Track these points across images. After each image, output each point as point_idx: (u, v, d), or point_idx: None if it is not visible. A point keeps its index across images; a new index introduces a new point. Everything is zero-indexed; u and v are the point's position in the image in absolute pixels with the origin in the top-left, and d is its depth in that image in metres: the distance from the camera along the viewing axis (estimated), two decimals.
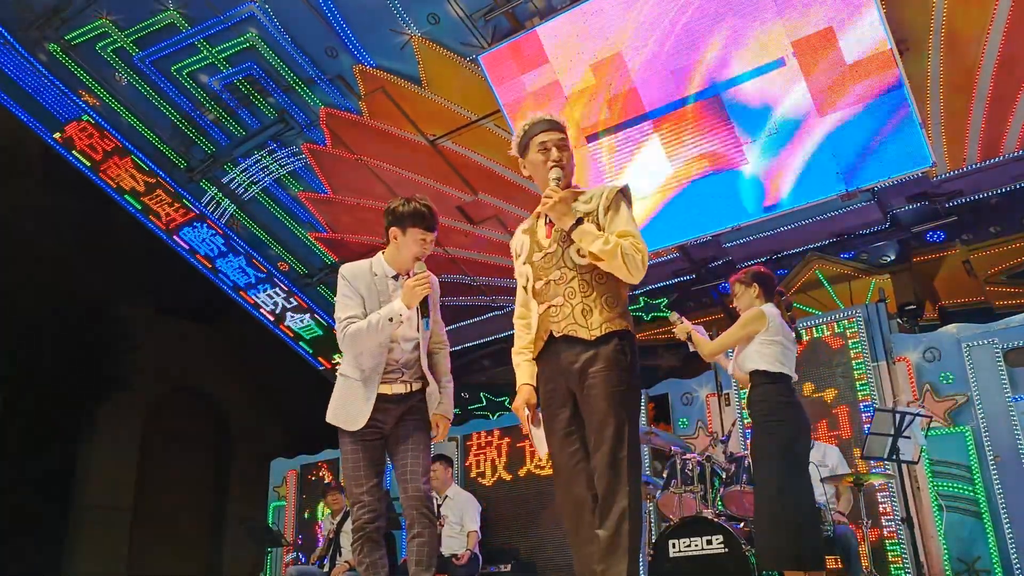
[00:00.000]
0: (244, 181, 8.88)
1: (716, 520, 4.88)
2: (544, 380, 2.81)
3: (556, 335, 2.76)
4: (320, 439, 9.47)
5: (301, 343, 10.27)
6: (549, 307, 2.79)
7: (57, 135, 8.71)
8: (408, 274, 3.41)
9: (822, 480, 5.17)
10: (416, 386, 3.43)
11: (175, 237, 9.58)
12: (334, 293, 10.11)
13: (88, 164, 9.08)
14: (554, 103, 6.91)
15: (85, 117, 8.57)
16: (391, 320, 3.27)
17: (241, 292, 9.97)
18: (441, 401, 3.47)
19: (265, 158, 8.69)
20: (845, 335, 6.47)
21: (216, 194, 9.12)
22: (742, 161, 6.67)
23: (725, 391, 7.14)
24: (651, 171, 7.02)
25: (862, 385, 6.33)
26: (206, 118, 8.42)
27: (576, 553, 2.68)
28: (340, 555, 7.15)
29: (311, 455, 9.66)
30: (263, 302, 9.90)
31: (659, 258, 8.09)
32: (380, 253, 3.58)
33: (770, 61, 6.23)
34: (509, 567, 7.13)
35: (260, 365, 16.14)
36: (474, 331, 9.60)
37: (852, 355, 6.37)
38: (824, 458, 5.62)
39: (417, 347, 3.41)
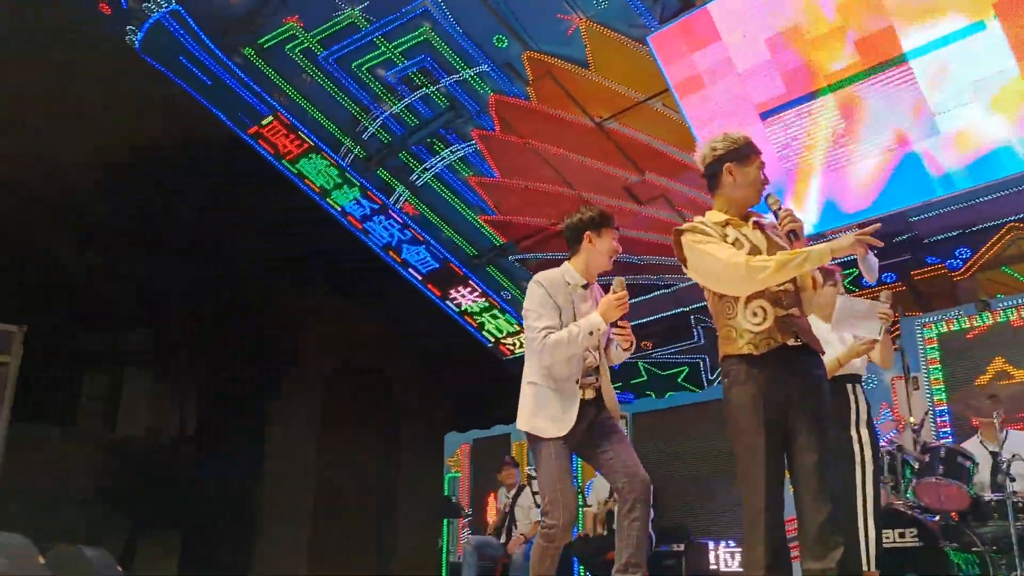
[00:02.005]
0: (418, 168, 9.30)
1: (909, 512, 4.73)
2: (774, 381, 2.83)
3: (791, 344, 2.80)
4: (490, 415, 9.87)
5: (476, 326, 10.68)
6: (788, 314, 2.81)
7: (251, 131, 9.45)
8: (607, 290, 3.48)
9: None
10: (597, 392, 3.51)
11: (359, 225, 10.19)
12: (502, 273, 10.36)
13: (277, 157, 9.81)
14: (726, 81, 6.77)
15: (273, 115, 9.24)
16: (591, 334, 3.33)
17: (418, 276, 10.48)
18: (613, 408, 3.55)
19: (437, 145, 9.06)
20: None
21: (392, 181, 9.61)
22: (933, 133, 6.29)
23: (913, 374, 6.80)
24: (829, 147, 6.75)
25: None
26: (383, 110, 8.87)
27: None
28: (516, 527, 7.43)
29: (483, 430, 10.03)
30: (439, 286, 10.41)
31: (837, 233, 7.82)
32: (567, 263, 3.61)
33: (968, 24, 5.81)
34: (682, 547, 7.18)
35: (429, 341, 16.82)
36: (642, 309, 9.63)
37: None
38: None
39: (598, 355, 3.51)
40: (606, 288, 3.55)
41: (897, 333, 7.59)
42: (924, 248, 7.93)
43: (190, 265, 17.38)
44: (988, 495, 4.83)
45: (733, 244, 2.86)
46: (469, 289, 10.36)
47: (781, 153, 7.03)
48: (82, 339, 18.07)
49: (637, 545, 3.30)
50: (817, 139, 6.80)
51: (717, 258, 2.81)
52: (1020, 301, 6.26)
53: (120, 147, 15.65)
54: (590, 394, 3.43)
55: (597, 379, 3.48)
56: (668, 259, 9.22)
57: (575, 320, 3.41)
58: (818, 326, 4.17)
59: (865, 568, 3.95)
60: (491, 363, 11.58)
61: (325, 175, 9.76)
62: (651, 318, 9.66)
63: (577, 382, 3.38)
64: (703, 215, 3.00)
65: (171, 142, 15.04)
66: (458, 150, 9.03)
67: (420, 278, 10.39)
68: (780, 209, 2.91)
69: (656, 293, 9.41)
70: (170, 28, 8.62)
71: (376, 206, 9.80)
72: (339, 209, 10.04)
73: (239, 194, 15.64)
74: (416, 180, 9.45)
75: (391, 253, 10.27)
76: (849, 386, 4.15)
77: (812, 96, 6.65)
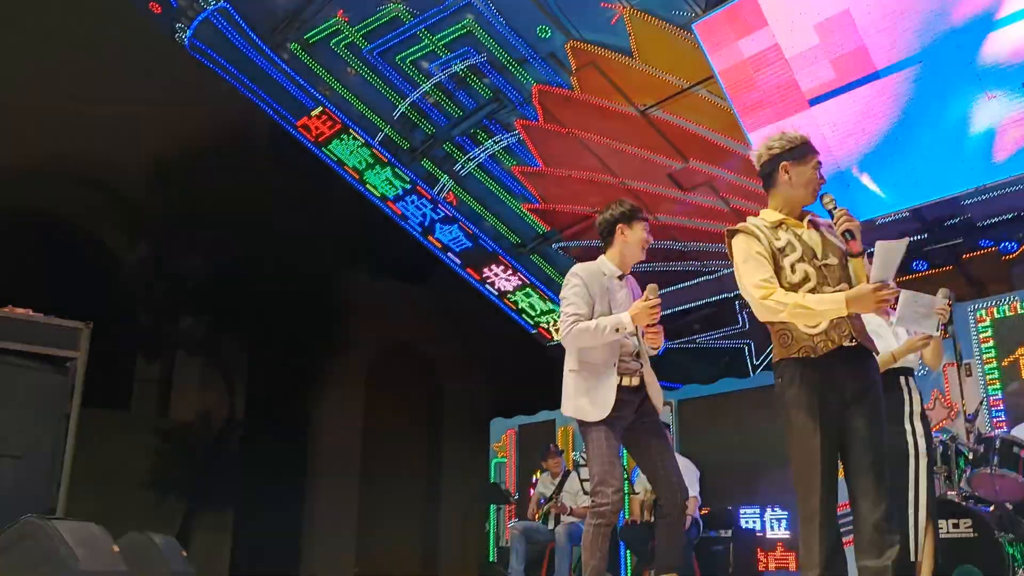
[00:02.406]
0: (461, 158, 9.38)
1: (963, 503, 4.72)
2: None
3: (846, 345, 2.83)
4: (535, 401, 9.96)
5: (516, 310, 10.76)
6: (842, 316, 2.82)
7: (298, 124, 9.61)
8: (645, 290, 3.57)
9: None
10: (641, 379, 3.61)
11: (396, 209, 10.31)
12: (546, 261, 10.40)
13: (318, 145, 9.96)
14: (773, 67, 6.71)
15: (319, 108, 9.39)
16: (617, 331, 3.45)
17: (458, 259, 10.58)
18: (656, 402, 3.65)
19: (480, 135, 9.13)
20: None
21: (435, 171, 9.70)
22: (986, 120, 6.18)
23: (966, 361, 6.72)
24: (880, 134, 6.67)
25: None
26: (427, 102, 8.97)
27: None
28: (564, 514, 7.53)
29: (528, 415, 10.13)
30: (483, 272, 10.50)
31: (886, 219, 7.72)
32: (602, 256, 3.74)
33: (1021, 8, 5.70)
34: (729, 532, 7.24)
35: (471, 327, 16.99)
36: (685, 296, 9.63)
37: None
38: None
39: (639, 346, 3.61)
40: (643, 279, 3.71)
41: (949, 320, 7.52)
42: (977, 232, 7.82)
43: (236, 253, 17.78)
44: None
45: (784, 249, 2.91)
46: (503, 268, 10.42)
47: (831, 140, 6.96)
48: (134, 328, 18.58)
49: (675, 548, 3.50)
50: (867, 126, 6.71)
51: (743, 282, 2.92)
52: None
53: (168, 141, 16.05)
54: (634, 381, 3.54)
55: (640, 366, 3.58)
56: (712, 245, 9.20)
57: (610, 309, 3.56)
58: (871, 318, 4.23)
59: (913, 558, 3.97)
60: (534, 348, 11.69)
61: (357, 155, 9.87)
62: (695, 303, 9.66)
63: (615, 367, 3.49)
64: (746, 200, 3.07)
65: (218, 136, 15.40)
66: (501, 140, 9.09)
67: (459, 261, 10.45)
68: (835, 209, 2.94)
69: (700, 280, 9.40)
70: (218, 25, 8.77)
71: (408, 186, 9.90)
72: (378, 195, 10.16)
73: (285, 185, 15.96)
74: (460, 170, 9.54)
75: (430, 238, 10.37)
76: (902, 379, 4.17)
77: (862, 81, 6.56)
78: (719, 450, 7.70)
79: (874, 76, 6.49)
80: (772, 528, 7.31)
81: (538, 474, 8.46)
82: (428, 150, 9.47)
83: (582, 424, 3.55)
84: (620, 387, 3.49)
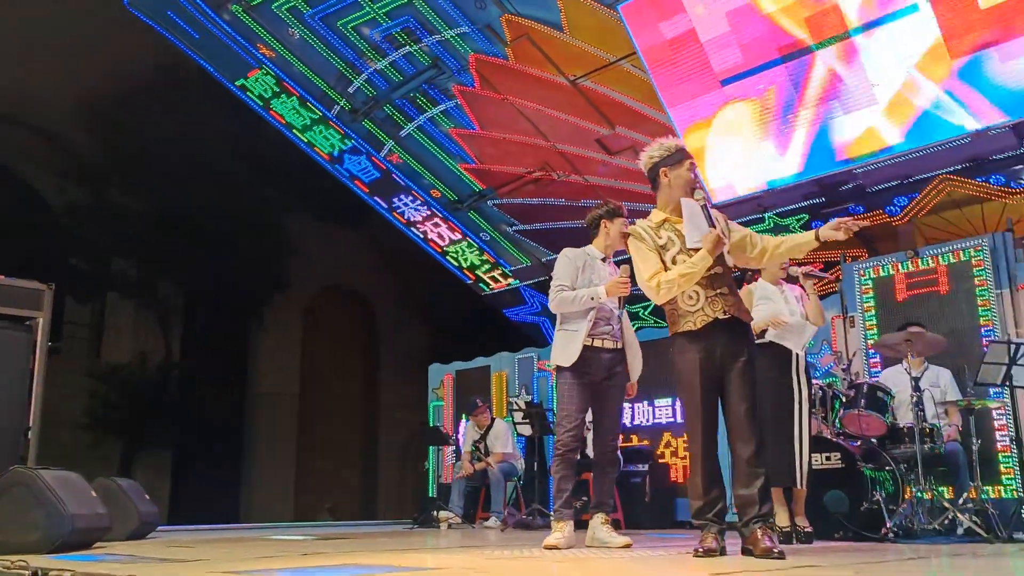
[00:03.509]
0: (403, 121, 9.81)
1: (835, 440, 5.57)
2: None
3: (720, 318, 3.52)
4: (472, 348, 10.61)
5: (456, 266, 11.35)
6: (717, 294, 3.53)
7: (238, 83, 9.85)
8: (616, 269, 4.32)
9: (936, 403, 5.75)
10: (620, 345, 4.35)
11: (337, 165, 10.72)
12: (482, 217, 10.94)
13: (262, 104, 10.23)
14: (689, 49, 7.35)
15: (263, 69, 9.65)
16: (592, 299, 4.22)
17: (396, 215, 11.06)
18: (633, 369, 4.42)
19: (420, 99, 9.56)
20: (970, 263, 6.80)
21: (376, 131, 10.12)
22: (871, 102, 6.97)
23: (850, 314, 7.61)
24: (783, 112, 7.41)
25: (984, 311, 6.70)
26: (368, 66, 9.32)
27: None
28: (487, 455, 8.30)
29: (465, 361, 10.77)
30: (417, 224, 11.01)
31: (788, 183, 8.54)
32: (590, 244, 4.49)
33: (904, 7, 6.44)
34: (646, 467, 8.15)
35: (411, 274, 17.41)
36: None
37: (976, 282, 6.72)
38: (937, 379, 6.07)
39: (620, 320, 4.35)
40: None
41: (839, 276, 8.46)
42: (867, 197, 8.73)
43: (173, 195, 17.78)
44: (902, 423, 5.66)
45: (665, 245, 3.59)
46: (411, 198, 10.87)
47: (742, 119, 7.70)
48: (65, 269, 18.45)
49: (607, 492, 4.37)
50: (771, 106, 7.45)
51: (641, 276, 3.60)
52: (943, 249, 7.06)
53: (105, 90, 15.88)
54: (607, 343, 4.28)
55: (613, 331, 4.29)
56: (638, 205, 9.93)
57: (591, 283, 4.31)
58: (764, 285, 5.04)
59: (798, 487, 4.83)
60: (471, 298, 12.34)
61: (298, 115, 10.18)
62: (616, 258, 10.40)
63: (587, 328, 4.22)
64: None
65: (155, 78, 15.29)
66: (440, 104, 9.54)
67: (366, 189, 10.83)
68: (704, 200, 3.60)
69: None
70: None
71: (316, 117, 10.16)
72: (320, 153, 10.51)
73: (223, 127, 15.98)
74: (400, 131, 9.97)
75: (338, 167, 10.69)
76: None
77: (767, 66, 7.26)
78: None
79: (776, 61, 7.21)
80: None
81: (465, 423, 9.23)
82: (369, 111, 9.86)
83: (557, 369, 4.36)
84: (593, 347, 4.24)
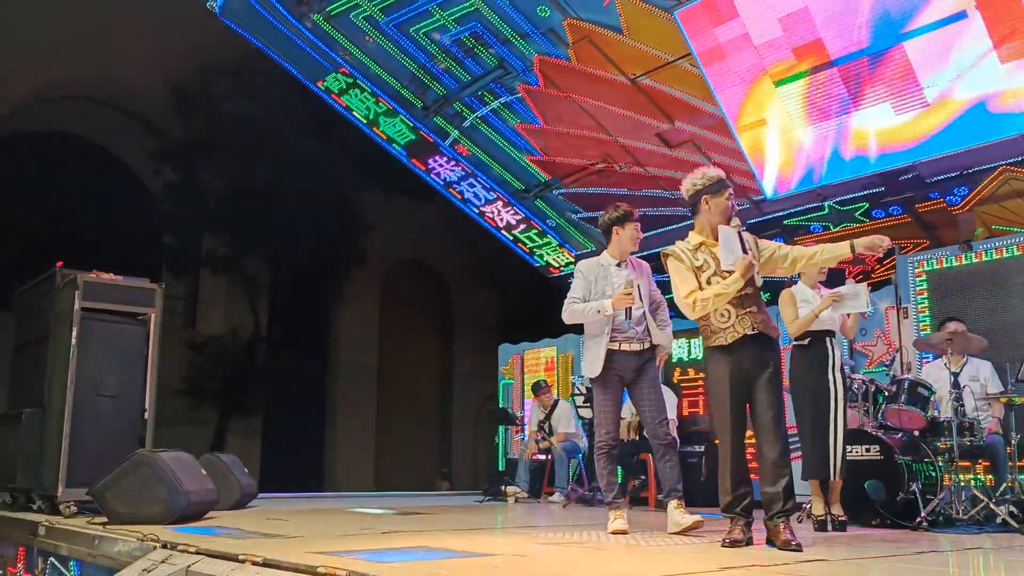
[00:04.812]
0: (470, 115, 10.34)
1: (875, 433, 5.89)
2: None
3: (749, 334, 3.91)
4: (539, 329, 11.14)
5: (526, 251, 11.89)
6: (746, 312, 3.91)
7: (323, 86, 10.53)
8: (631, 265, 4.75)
9: (976, 397, 6.00)
10: (647, 344, 4.69)
11: (413, 160, 11.32)
12: (548, 205, 11.40)
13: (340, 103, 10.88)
14: (744, 53, 7.62)
15: (337, 71, 10.30)
16: (598, 312, 4.60)
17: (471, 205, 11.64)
18: (660, 342, 4.76)
19: (487, 97, 10.07)
20: None
21: (446, 126, 10.68)
22: (923, 104, 7.13)
23: (904, 305, 7.79)
24: (835, 113, 7.63)
25: None
26: (438, 67, 9.87)
27: None
28: (552, 434, 8.87)
29: (532, 342, 11.32)
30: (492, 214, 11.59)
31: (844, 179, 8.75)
32: (604, 252, 4.87)
33: (953, 13, 6.59)
34: (703, 447, 8.57)
35: (479, 250, 17.94)
36: (673, 235, 10.70)
37: None
38: (977, 372, 6.25)
39: (643, 318, 4.68)
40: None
41: (892, 266, 8.65)
42: (927, 186, 8.85)
43: (258, 176, 18.74)
44: (942, 416, 5.87)
45: (701, 267, 3.97)
46: (446, 159, 11.15)
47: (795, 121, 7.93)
48: (162, 245, 19.67)
49: (675, 478, 4.64)
50: (826, 106, 7.68)
51: (677, 294, 4.00)
52: (997, 244, 7.21)
53: (193, 77, 16.88)
54: (634, 347, 4.62)
55: (637, 336, 4.62)
56: None
57: (604, 293, 4.66)
58: (803, 289, 5.39)
59: (833, 478, 5.22)
60: (538, 279, 12.84)
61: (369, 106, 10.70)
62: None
63: (606, 336, 4.59)
64: (723, 155, 4.12)
65: (240, 75, 16.20)
66: (506, 100, 10.03)
67: (404, 152, 11.14)
68: (739, 228, 3.96)
69: (685, 224, 10.43)
70: None
71: (384, 109, 10.60)
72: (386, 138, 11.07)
73: (301, 111, 16.75)
74: (467, 125, 10.50)
75: (375, 129, 10.97)
76: (827, 339, 5.29)
77: (819, 69, 7.49)
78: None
79: (829, 64, 7.43)
80: None
81: (531, 402, 9.71)
82: (440, 108, 10.41)
83: (592, 379, 4.72)
84: (618, 352, 4.59)
